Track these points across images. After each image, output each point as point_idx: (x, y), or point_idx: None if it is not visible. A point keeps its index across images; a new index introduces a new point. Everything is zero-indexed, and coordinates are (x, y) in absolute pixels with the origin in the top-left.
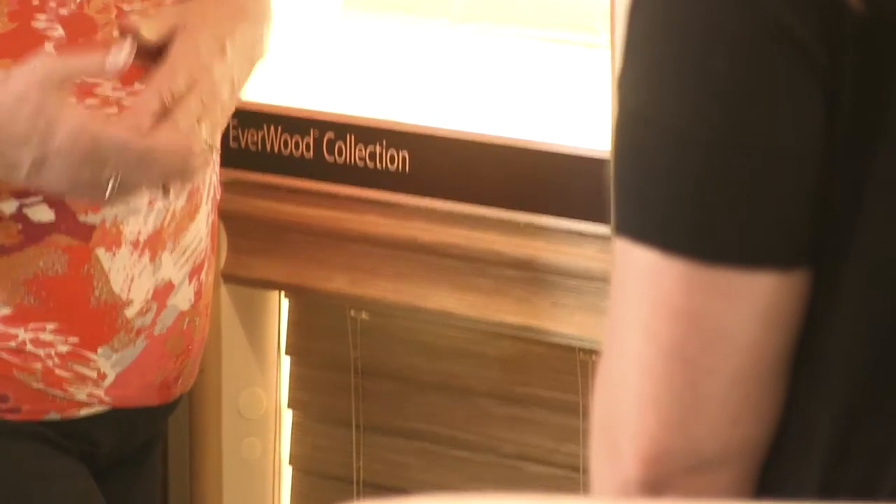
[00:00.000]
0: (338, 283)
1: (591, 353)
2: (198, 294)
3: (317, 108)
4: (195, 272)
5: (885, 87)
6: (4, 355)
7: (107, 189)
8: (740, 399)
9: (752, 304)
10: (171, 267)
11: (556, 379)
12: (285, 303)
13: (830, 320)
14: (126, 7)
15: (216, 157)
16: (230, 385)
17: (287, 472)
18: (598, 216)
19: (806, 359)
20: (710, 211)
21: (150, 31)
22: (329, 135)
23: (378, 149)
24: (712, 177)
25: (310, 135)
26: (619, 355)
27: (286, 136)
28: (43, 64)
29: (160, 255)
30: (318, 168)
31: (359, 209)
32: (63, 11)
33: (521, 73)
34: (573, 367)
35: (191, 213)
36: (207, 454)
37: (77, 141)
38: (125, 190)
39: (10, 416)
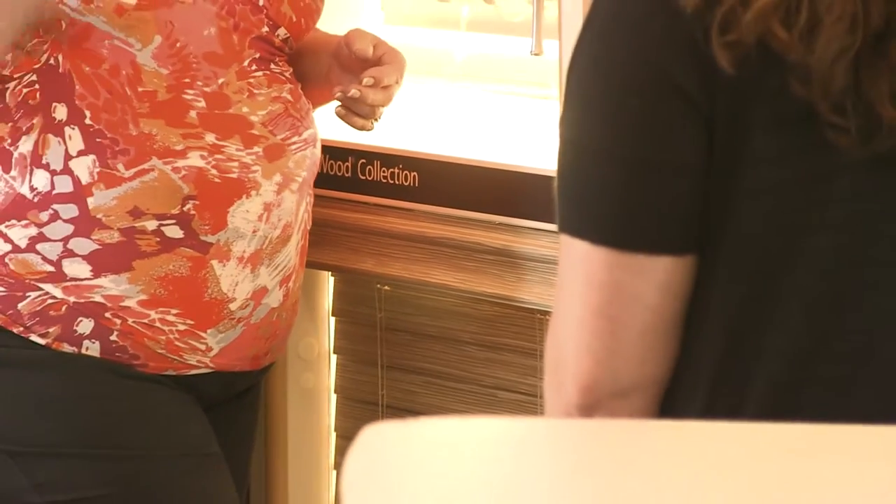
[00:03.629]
0: (368, 265)
1: (546, 313)
2: (286, 296)
3: (353, 140)
4: (285, 281)
5: (744, 123)
6: (139, 328)
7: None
8: (647, 345)
9: (655, 279)
10: (267, 277)
11: (521, 332)
12: (331, 279)
13: (710, 290)
14: (255, 91)
15: (311, 200)
16: (293, 336)
17: (333, 399)
18: (550, 217)
19: (694, 317)
20: (627, 213)
21: (369, 49)
22: (362, 160)
23: (396, 170)
24: (628, 187)
25: (348, 161)
26: (563, 317)
27: (331, 161)
28: None
29: (259, 268)
30: (354, 184)
31: (383, 213)
32: (207, 89)
33: (497, 115)
34: (533, 323)
35: (283, 240)
36: (276, 385)
37: None
38: None
39: (140, 369)
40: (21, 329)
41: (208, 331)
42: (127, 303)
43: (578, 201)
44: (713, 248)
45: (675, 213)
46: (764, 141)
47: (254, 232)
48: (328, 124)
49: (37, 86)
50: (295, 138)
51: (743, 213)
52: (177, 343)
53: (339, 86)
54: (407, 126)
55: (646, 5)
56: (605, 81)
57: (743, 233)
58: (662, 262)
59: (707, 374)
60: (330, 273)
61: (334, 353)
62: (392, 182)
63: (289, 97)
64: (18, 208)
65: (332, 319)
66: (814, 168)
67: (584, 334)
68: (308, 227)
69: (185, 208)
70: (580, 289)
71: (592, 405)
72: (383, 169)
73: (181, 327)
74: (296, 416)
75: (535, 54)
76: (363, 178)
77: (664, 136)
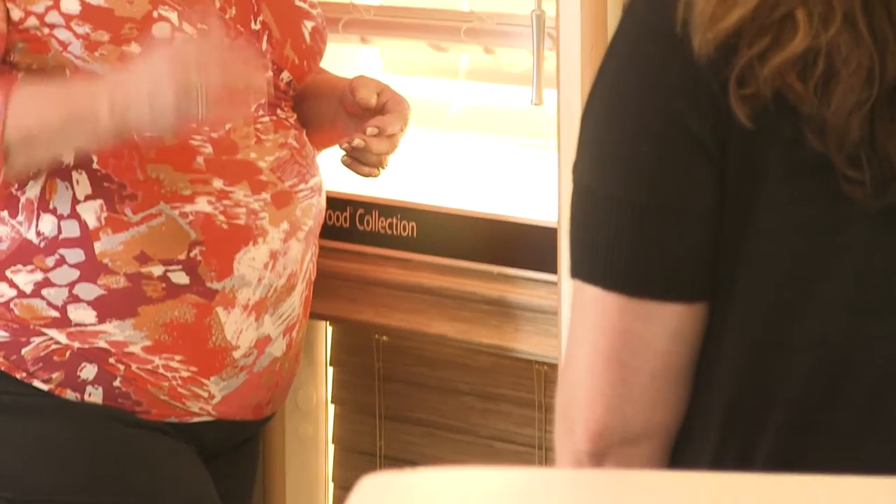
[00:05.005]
0: (366, 315)
1: (544, 364)
2: (289, 346)
3: (351, 190)
4: (288, 330)
5: (758, 170)
6: (142, 374)
7: None
8: (657, 391)
9: (666, 325)
10: (271, 325)
11: (519, 383)
12: (329, 329)
13: (721, 336)
14: (262, 136)
15: (316, 251)
16: (291, 385)
17: (330, 449)
18: (548, 268)
19: (705, 364)
20: (638, 259)
21: (372, 98)
22: (360, 210)
23: (395, 220)
24: (640, 233)
25: (346, 210)
26: (574, 362)
27: (329, 211)
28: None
29: (263, 316)
30: (352, 234)
31: (381, 263)
32: (214, 134)
33: (495, 165)
34: (531, 374)
35: (288, 290)
36: (274, 435)
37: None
38: None
39: (142, 416)
40: (24, 375)
41: (211, 378)
42: (131, 349)
43: (591, 247)
44: (724, 295)
45: (686, 260)
46: (777, 189)
47: (259, 280)
48: (326, 173)
49: None
50: (302, 185)
51: (754, 260)
52: (179, 390)
53: (346, 134)
54: (405, 176)
55: (659, 54)
56: (617, 128)
57: (754, 280)
58: (673, 309)
59: (717, 421)
60: (328, 323)
61: (332, 402)
62: (390, 232)
63: (294, 143)
64: (24, 253)
65: (331, 369)
66: (826, 217)
67: (595, 380)
68: (313, 278)
69: (191, 254)
70: (591, 334)
71: (603, 452)
72: (381, 219)
73: (184, 374)
74: (293, 465)
75: (536, 104)
76: (361, 228)
77: (676, 183)
